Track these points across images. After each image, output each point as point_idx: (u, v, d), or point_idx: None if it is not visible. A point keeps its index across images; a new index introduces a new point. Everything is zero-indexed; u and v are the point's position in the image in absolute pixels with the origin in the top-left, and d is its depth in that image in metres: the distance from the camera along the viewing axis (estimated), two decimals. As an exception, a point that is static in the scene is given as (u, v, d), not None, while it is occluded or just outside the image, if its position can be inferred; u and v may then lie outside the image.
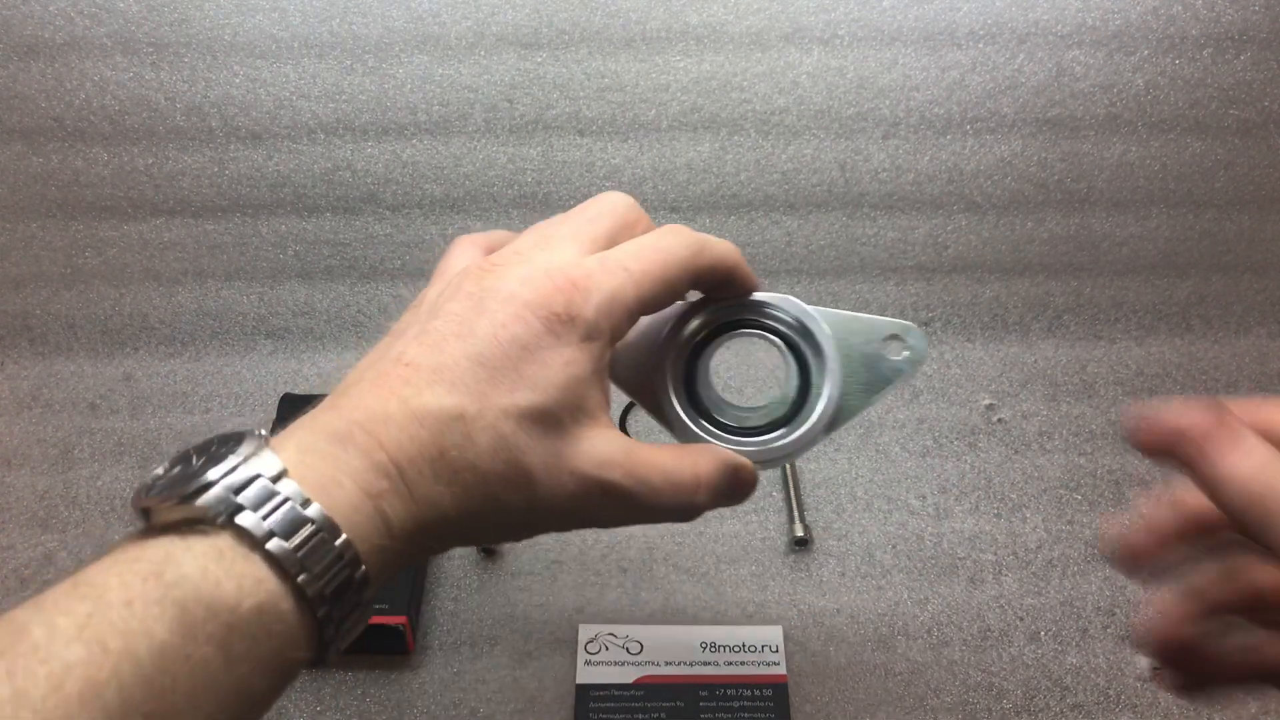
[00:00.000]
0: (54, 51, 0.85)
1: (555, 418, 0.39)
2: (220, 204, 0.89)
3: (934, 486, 0.80)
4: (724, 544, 0.78)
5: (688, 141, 0.88)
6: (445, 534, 0.40)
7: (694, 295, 0.48)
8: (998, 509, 0.79)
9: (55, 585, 0.33)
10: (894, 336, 0.48)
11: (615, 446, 0.41)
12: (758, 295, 0.48)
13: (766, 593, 0.75)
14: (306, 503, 0.35)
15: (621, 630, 0.72)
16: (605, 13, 0.85)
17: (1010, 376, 0.89)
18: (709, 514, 0.79)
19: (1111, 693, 0.69)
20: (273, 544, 0.34)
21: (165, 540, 0.33)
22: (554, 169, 0.89)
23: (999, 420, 0.86)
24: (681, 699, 0.68)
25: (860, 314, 0.48)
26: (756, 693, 0.69)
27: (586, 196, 0.94)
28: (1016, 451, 0.84)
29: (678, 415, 0.47)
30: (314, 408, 0.41)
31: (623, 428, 0.85)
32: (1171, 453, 0.36)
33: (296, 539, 0.34)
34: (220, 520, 0.34)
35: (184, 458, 0.37)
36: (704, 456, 0.45)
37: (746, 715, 0.68)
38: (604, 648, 0.71)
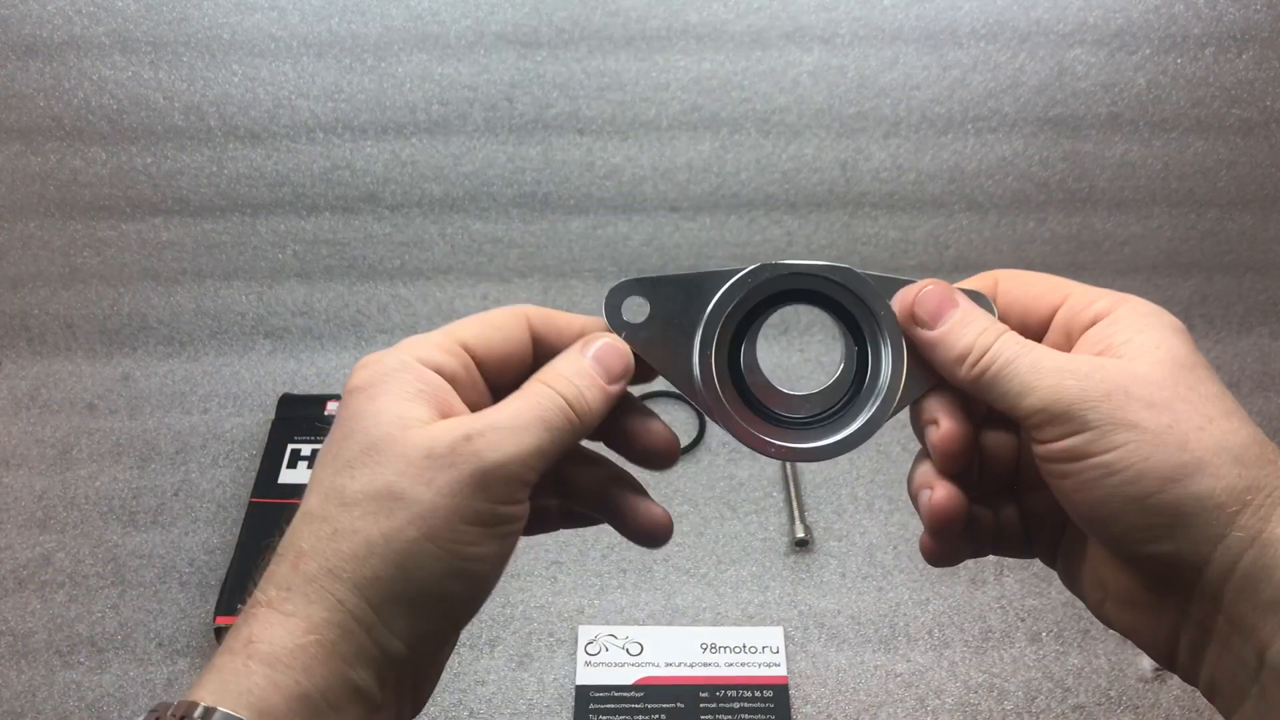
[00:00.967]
0: (52, 50, 0.85)
1: (380, 441, 0.39)
2: (219, 203, 0.89)
3: (935, 487, 0.80)
4: (724, 544, 0.78)
5: (688, 141, 0.88)
6: None
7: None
8: (999, 509, 0.79)
9: None
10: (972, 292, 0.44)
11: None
12: (805, 262, 0.45)
13: (767, 593, 0.75)
14: None
15: (621, 631, 0.72)
16: (605, 12, 0.85)
17: (1011, 376, 0.89)
18: (709, 514, 0.80)
19: (1113, 693, 0.69)
20: None
21: None
22: (554, 168, 0.88)
23: (1000, 420, 0.86)
24: (682, 700, 0.68)
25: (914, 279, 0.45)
26: (757, 693, 0.68)
27: (587, 196, 0.95)
28: (1018, 452, 0.84)
29: (728, 414, 0.42)
30: None
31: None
32: (913, 323, 0.42)
33: None
34: None
35: None
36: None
37: (747, 716, 0.67)
38: (604, 649, 0.71)
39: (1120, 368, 0.37)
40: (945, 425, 0.41)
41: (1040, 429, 0.37)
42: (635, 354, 0.42)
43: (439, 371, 0.39)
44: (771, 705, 0.68)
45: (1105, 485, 0.36)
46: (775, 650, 0.71)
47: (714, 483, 0.82)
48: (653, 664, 0.70)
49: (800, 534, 0.77)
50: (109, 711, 0.68)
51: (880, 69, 0.86)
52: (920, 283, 0.43)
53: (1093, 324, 0.39)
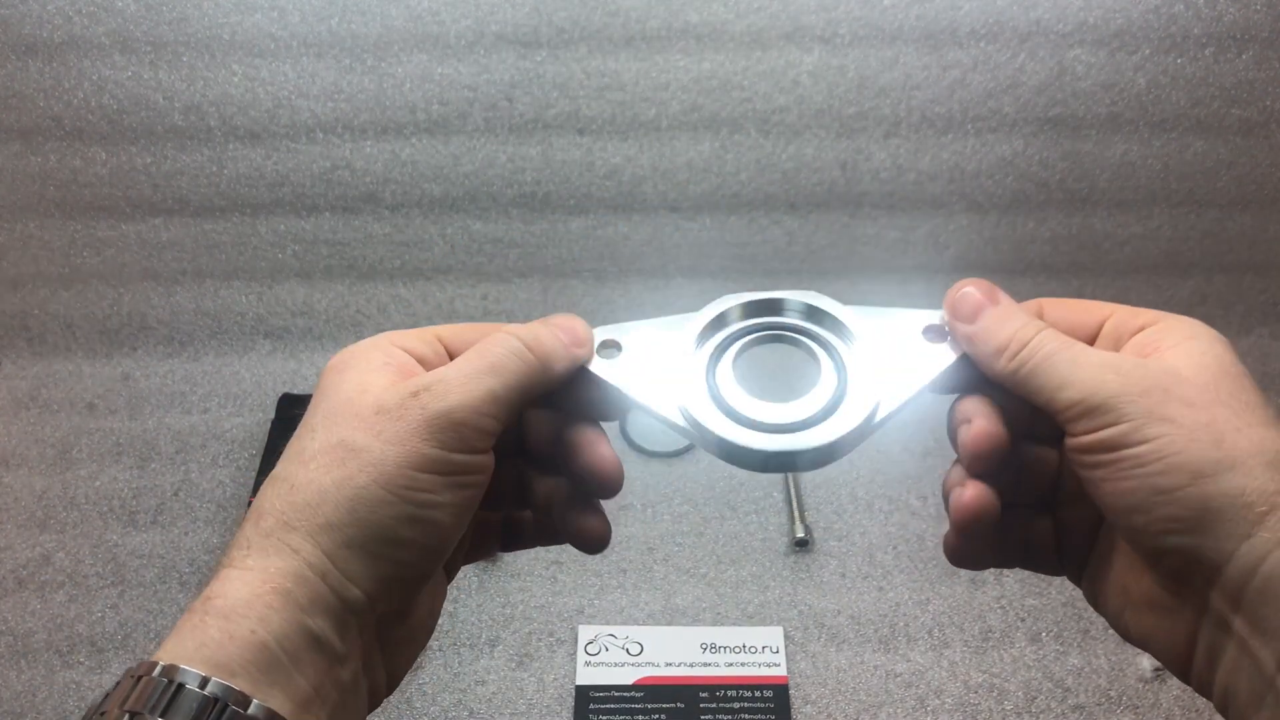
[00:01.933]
0: (52, 50, 0.85)
1: (350, 399, 0.41)
2: (219, 203, 0.89)
3: (935, 487, 0.80)
4: (724, 544, 0.78)
5: (688, 141, 0.88)
6: None
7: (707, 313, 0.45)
8: (999, 509, 0.79)
9: None
10: (932, 326, 0.45)
11: None
12: (779, 294, 0.46)
13: (767, 593, 0.75)
14: None
15: (621, 631, 0.72)
16: (605, 12, 0.85)
17: (1011, 376, 0.89)
18: (709, 514, 0.80)
19: (1113, 693, 0.69)
20: None
21: None
22: (554, 168, 0.88)
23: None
24: (682, 700, 0.68)
25: (893, 309, 0.45)
26: (757, 694, 0.68)
27: (587, 196, 0.95)
28: (1018, 452, 0.84)
29: (712, 438, 0.42)
30: None
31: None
32: (955, 318, 0.42)
33: None
34: None
35: None
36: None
37: (747, 716, 0.67)
38: (604, 648, 0.71)
39: (1162, 367, 0.37)
40: (977, 425, 0.41)
41: (1076, 421, 0.37)
42: (611, 385, 0.43)
43: (408, 352, 0.41)
44: (771, 705, 0.68)
45: (1136, 476, 0.36)
46: (775, 650, 0.71)
47: (714, 483, 0.82)
48: (653, 664, 0.70)
49: (800, 534, 0.77)
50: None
51: (880, 69, 0.86)
52: (962, 281, 0.43)
53: (1139, 332, 0.39)
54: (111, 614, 0.73)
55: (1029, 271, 0.92)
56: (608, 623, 0.73)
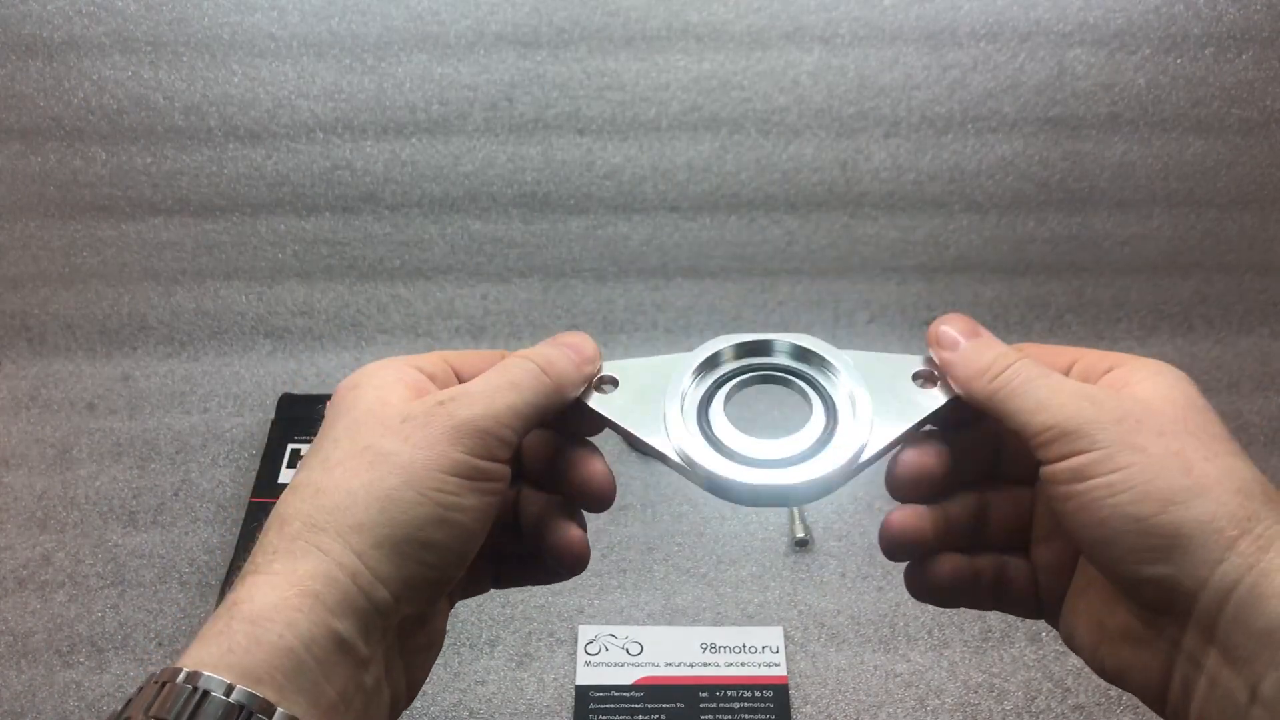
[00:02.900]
0: (52, 50, 0.85)
1: (366, 420, 0.41)
2: (219, 203, 0.89)
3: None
4: (724, 544, 0.78)
5: (688, 141, 0.88)
6: None
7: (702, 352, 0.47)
8: (999, 509, 0.79)
9: None
10: (920, 372, 0.45)
11: None
12: (771, 336, 0.48)
13: (767, 593, 0.75)
14: None
15: (621, 631, 0.72)
16: (605, 12, 0.85)
17: (1011, 376, 0.89)
18: (709, 514, 0.79)
19: (1113, 694, 0.69)
20: None
21: None
22: (554, 168, 0.88)
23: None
24: (682, 700, 0.68)
25: (886, 354, 0.46)
26: (757, 694, 0.68)
27: (587, 196, 0.94)
28: (1018, 452, 0.84)
29: (687, 457, 0.43)
30: None
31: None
32: (939, 346, 0.43)
33: None
34: None
35: None
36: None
37: (747, 716, 0.67)
38: (604, 648, 0.71)
39: (1134, 398, 0.38)
40: (907, 453, 0.43)
41: (1049, 446, 0.38)
42: (607, 420, 0.44)
43: (420, 371, 0.42)
44: (771, 705, 0.68)
45: (1108, 505, 0.36)
46: (775, 650, 0.71)
47: (714, 483, 0.82)
48: (653, 664, 0.70)
49: (800, 534, 0.77)
50: (109, 711, 0.68)
51: (880, 69, 0.86)
52: (943, 317, 0.45)
53: (1109, 371, 0.40)
54: (111, 614, 0.73)
55: (1029, 271, 0.92)
56: (608, 622, 0.73)
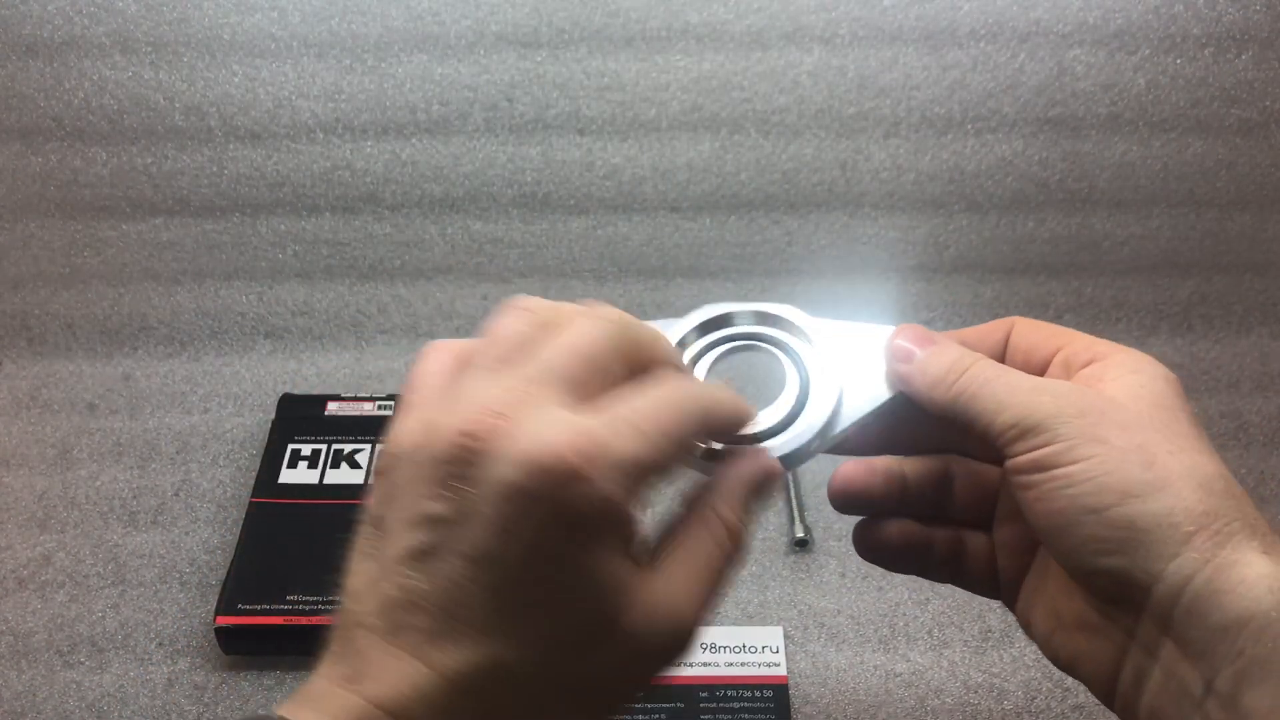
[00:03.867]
0: (53, 51, 0.85)
1: (598, 629, 0.34)
2: (219, 203, 0.89)
3: (935, 487, 0.80)
4: (724, 544, 0.78)
5: (688, 141, 0.88)
6: None
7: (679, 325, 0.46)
8: (999, 509, 0.79)
9: None
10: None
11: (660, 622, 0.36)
12: (748, 306, 0.47)
13: (767, 593, 0.75)
14: None
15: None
16: (605, 12, 0.85)
17: (1011, 376, 0.89)
18: (709, 514, 0.79)
19: (1113, 694, 0.69)
20: None
21: None
22: (554, 168, 0.89)
23: (1000, 420, 0.86)
24: (681, 700, 0.68)
25: (867, 324, 0.46)
26: (757, 693, 0.68)
27: (587, 196, 0.94)
28: (1017, 452, 0.84)
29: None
30: (319, 672, 0.33)
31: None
32: (893, 360, 0.43)
33: None
34: None
35: None
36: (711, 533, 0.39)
37: (747, 716, 0.67)
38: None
39: (1098, 393, 0.38)
40: (845, 465, 0.45)
41: (1012, 444, 0.38)
42: None
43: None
44: (771, 705, 0.68)
45: (1066, 495, 0.36)
46: (775, 650, 0.71)
47: (714, 483, 0.82)
48: (653, 664, 0.70)
49: (800, 534, 0.77)
50: (109, 711, 0.68)
51: (880, 69, 0.86)
52: (898, 329, 0.44)
53: (1088, 365, 0.40)
54: (112, 614, 0.73)
55: (1029, 271, 0.92)
56: (608, 622, 0.73)
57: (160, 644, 0.72)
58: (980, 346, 0.43)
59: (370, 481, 0.36)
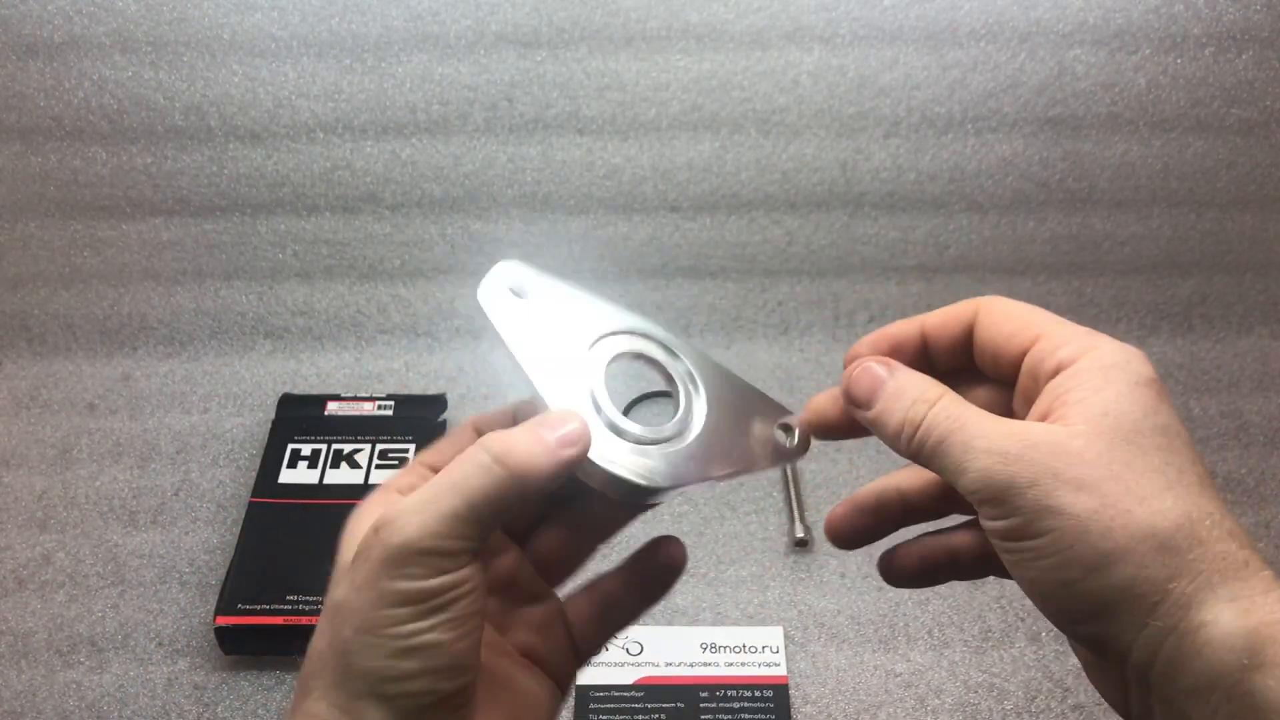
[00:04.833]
0: (52, 51, 0.85)
1: None
2: (219, 203, 0.89)
3: (935, 487, 0.80)
4: (724, 544, 0.78)
5: (688, 141, 0.88)
6: None
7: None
8: (999, 509, 0.79)
9: None
10: (784, 425, 0.46)
11: None
12: (656, 332, 0.46)
13: (767, 593, 0.75)
14: None
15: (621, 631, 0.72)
16: (605, 12, 0.85)
17: (1011, 376, 0.89)
18: (709, 514, 0.80)
19: (1113, 694, 0.69)
20: None
21: None
22: (554, 168, 0.89)
23: (1000, 420, 0.86)
24: (682, 700, 0.68)
25: (761, 391, 0.46)
26: (757, 693, 0.68)
27: (587, 196, 0.94)
28: (1018, 452, 0.84)
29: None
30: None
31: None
32: (854, 405, 0.43)
33: None
34: None
35: None
36: None
37: (747, 716, 0.67)
38: (604, 648, 0.71)
39: (1053, 446, 0.36)
40: (833, 512, 0.46)
41: (980, 506, 0.37)
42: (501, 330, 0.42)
43: (400, 491, 0.40)
44: (771, 705, 0.68)
45: (1037, 567, 0.36)
46: (775, 650, 0.71)
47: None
48: (653, 664, 0.70)
49: (800, 534, 0.77)
50: (109, 711, 0.68)
51: (880, 69, 0.86)
52: (852, 365, 0.43)
53: (1056, 373, 0.39)
54: (112, 614, 0.73)
55: (1029, 271, 0.92)
56: (608, 623, 0.73)
57: (160, 644, 0.72)
58: (944, 335, 0.43)
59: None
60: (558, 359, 0.42)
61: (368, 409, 0.83)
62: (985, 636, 0.72)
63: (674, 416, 0.44)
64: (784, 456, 0.47)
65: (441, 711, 0.37)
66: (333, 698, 0.36)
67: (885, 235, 0.91)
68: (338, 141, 0.88)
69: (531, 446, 0.38)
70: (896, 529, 0.46)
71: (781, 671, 0.70)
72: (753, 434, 0.45)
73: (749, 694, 0.68)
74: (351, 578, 0.37)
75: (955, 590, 0.74)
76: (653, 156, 0.88)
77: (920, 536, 0.45)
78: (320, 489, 0.78)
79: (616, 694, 0.68)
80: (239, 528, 0.76)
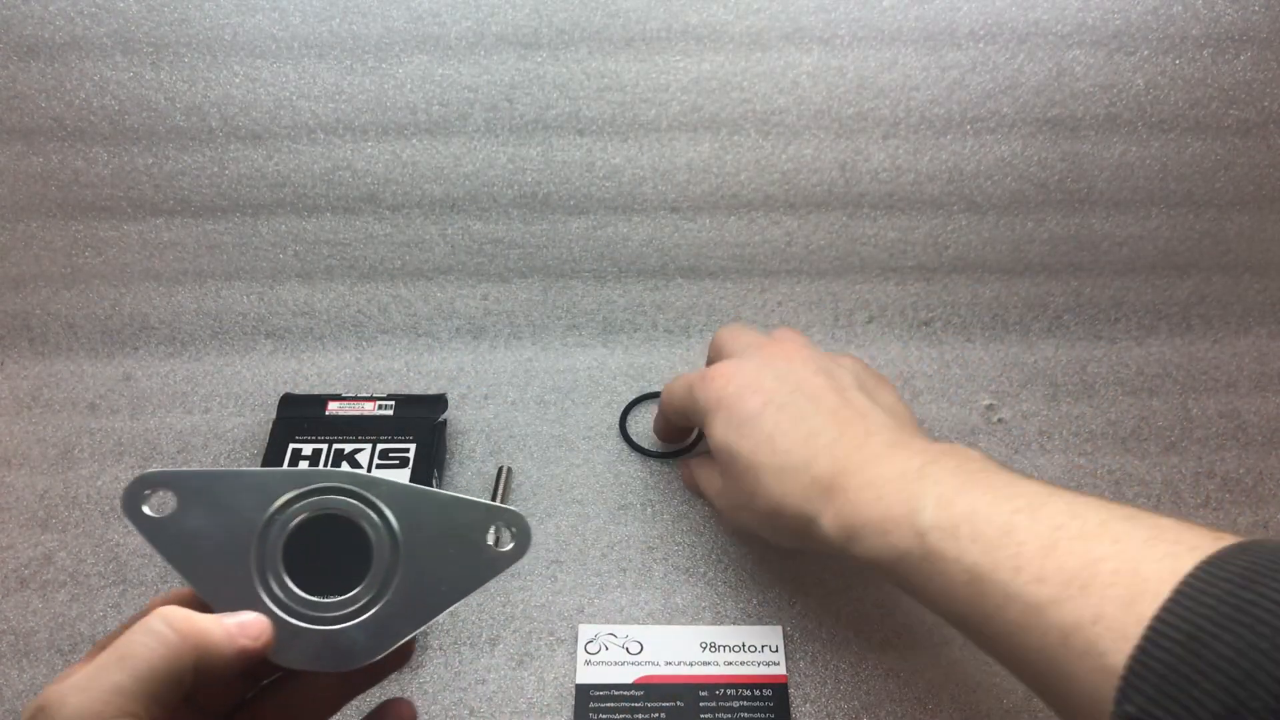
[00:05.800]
0: (53, 51, 0.85)
1: None
2: (220, 204, 0.89)
3: (934, 486, 0.80)
4: (724, 544, 0.78)
5: (688, 141, 0.88)
6: None
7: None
8: (998, 509, 0.79)
9: None
10: (500, 525, 0.45)
11: None
12: (341, 481, 0.45)
13: (767, 593, 0.75)
14: None
15: (621, 630, 0.72)
16: (605, 13, 0.85)
17: (1010, 376, 0.89)
18: (709, 514, 0.80)
19: (1112, 693, 0.69)
20: None
21: None
22: (554, 169, 0.89)
23: (999, 420, 0.86)
24: (681, 699, 0.68)
25: (468, 498, 0.45)
26: (756, 693, 0.69)
27: (586, 196, 0.95)
28: (1017, 451, 0.84)
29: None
30: None
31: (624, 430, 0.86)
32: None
33: None
34: None
35: None
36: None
37: (746, 715, 0.68)
38: (604, 648, 0.71)
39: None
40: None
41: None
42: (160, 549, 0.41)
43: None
44: (771, 704, 0.68)
45: None
46: (775, 649, 0.71)
47: (714, 482, 0.82)
48: (652, 663, 0.70)
49: (800, 533, 0.77)
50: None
51: (879, 70, 0.87)
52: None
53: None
54: (113, 613, 0.74)
55: (1027, 272, 0.92)
56: (608, 621, 0.73)
57: None
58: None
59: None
60: (224, 563, 0.41)
61: (368, 409, 0.84)
62: (984, 636, 0.72)
63: (365, 578, 0.43)
64: (505, 562, 0.46)
65: None
66: None
67: (884, 236, 0.91)
68: (339, 142, 0.88)
69: (210, 622, 0.37)
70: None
71: (781, 671, 0.70)
72: (470, 548, 0.44)
73: (749, 693, 0.69)
74: None
75: (954, 589, 0.75)
76: (653, 156, 0.89)
77: None
78: (321, 489, 0.78)
79: (616, 692, 0.69)
80: (240, 527, 0.76)
